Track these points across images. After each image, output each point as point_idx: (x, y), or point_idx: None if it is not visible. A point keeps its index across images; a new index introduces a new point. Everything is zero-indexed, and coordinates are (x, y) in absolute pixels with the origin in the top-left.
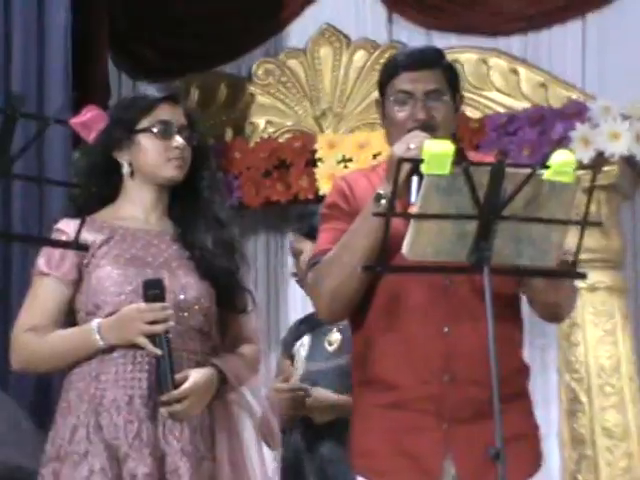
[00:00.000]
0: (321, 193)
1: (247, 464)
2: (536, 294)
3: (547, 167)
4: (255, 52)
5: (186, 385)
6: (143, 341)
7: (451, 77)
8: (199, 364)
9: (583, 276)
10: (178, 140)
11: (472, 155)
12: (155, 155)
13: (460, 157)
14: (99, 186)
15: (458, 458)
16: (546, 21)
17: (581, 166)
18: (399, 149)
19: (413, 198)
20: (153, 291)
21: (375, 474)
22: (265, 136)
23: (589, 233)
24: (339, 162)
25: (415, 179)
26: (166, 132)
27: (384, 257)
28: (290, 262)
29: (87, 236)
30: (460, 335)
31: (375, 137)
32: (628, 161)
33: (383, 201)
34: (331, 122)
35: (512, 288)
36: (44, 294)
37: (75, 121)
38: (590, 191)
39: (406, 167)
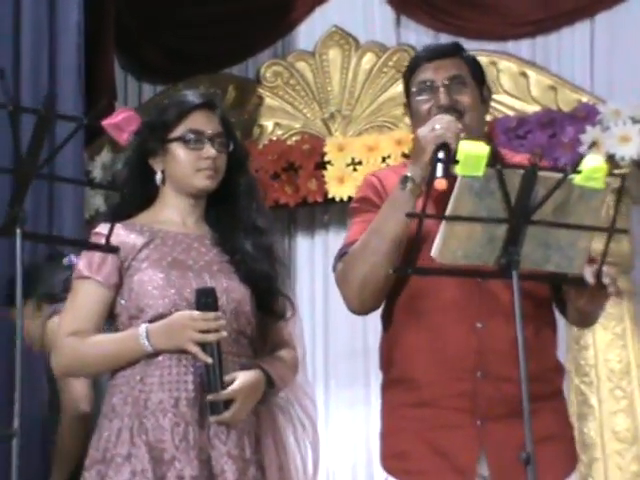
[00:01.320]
0: (330, 196)
1: (292, 469)
2: (574, 299)
3: (578, 172)
4: (263, 54)
5: (234, 386)
6: (194, 349)
7: (473, 68)
8: (243, 367)
9: (605, 288)
10: (210, 150)
11: (503, 153)
12: (186, 165)
13: (494, 158)
14: (135, 191)
15: (491, 456)
16: (555, 24)
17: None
18: (423, 131)
19: (439, 173)
20: (206, 299)
21: (409, 475)
22: (273, 138)
23: (599, 237)
24: (348, 165)
25: (441, 154)
26: (197, 142)
27: (413, 258)
28: (299, 264)
29: (128, 239)
30: (493, 331)
31: (384, 140)
32: (638, 164)
33: (409, 184)
34: (339, 125)
35: (547, 288)
36: (86, 297)
37: (108, 122)
38: (618, 196)
39: (430, 147)
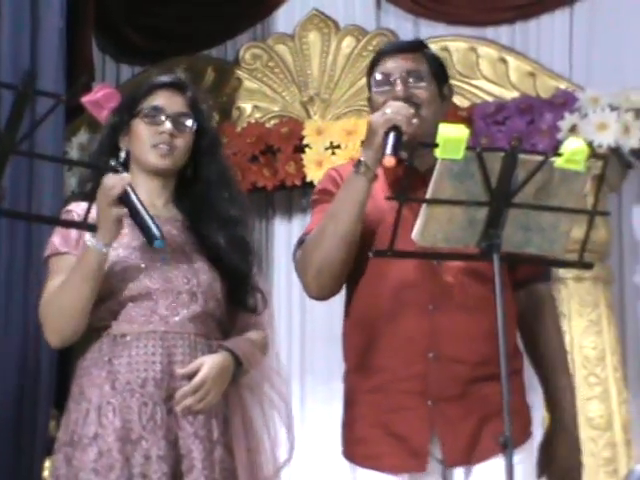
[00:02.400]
0: (308, 179)
1: (260, 451)
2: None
3: (559, 155)
4: (243, 36)
5: (202, 373)
6: (117, 211)
7: (434, 65)
8: (211, 348)
9: (590, 266)
10: (166, 126)
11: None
12: (144, 140)
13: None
14: (106, 170)
15: (444, 436)
16: (534, 11)
17: (590, 155)
18: (375, 116)
19: (388, 151)
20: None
21: (367, 459)
22: (252, 121)
23: (579, 223)
24: (327, 149)
25: (392, 135)
26: (156, 117)
27: (393, 241)
28: (276, 248)
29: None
30: (446, 313)
31: (363, 124)
32: (615, 152)
33: (362, 167)
34: (318, 108)
35: (506, 273)
36: (65, 271)
37: (87, 99)
38: (600, 180)
39: (381, 130)
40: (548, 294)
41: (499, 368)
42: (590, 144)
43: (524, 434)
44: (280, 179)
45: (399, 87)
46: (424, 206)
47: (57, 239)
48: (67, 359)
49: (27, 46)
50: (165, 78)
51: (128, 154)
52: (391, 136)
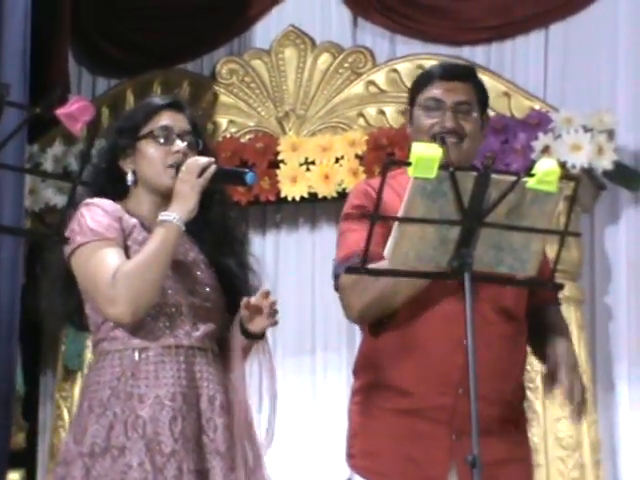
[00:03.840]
0: (282, 195)
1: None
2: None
3: (532, 175)
4: (219, 51)
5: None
6: (204, 183)
7: (481, 95)
8: (218, 365)
9: (561, 287)
10: (179, 144)
11: None
12: (156, 161)
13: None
14: (106, 190)
15: (461, 471)
16: (510, 32)
17: (562, 176)
18: None
19: None
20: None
21: (377, 475)
22: (227, 136)
23: (550, 244)
24: (301, 164)
25: None
26: (167, 138)
27: (366, 259)
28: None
29: (123, 215)
30: (477, 350)
31: (338, 141)
32: (588, 173)
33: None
34: (294, 124)
35: (524, 310)
36: (112, 252)
37: (62, 112)
38: (571, 201)
39: None
40: (559, 311)
41: (515, 409)
42: (563, 165)
43: None
44: (254, 194)
45: (449, 118)
46: (396, 224)
47: (94, 225)
48: (36, 373)
49: None
50: (166, 99)
51: (135, 175)
52: None
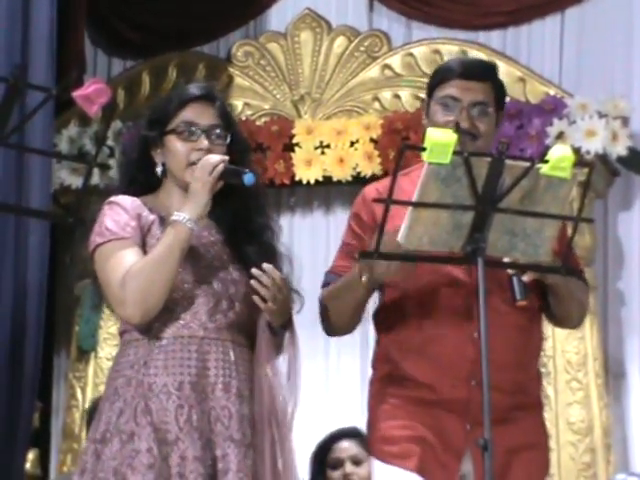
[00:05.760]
0: (297, 178)
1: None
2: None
3: (546, 161)
4: (235, 34)
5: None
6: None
7: (499, 93)
8: (242, 354)
9: (572, 271)
10: (203, 142)
11: None
12: (180, 157)
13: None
14: (137, 179)
15: (476, 460)
16: (526, 16)
17: (576, 162)
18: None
19: (519, 296)
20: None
21: (395, 458)
22: (242, 118)
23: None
24: (316, 148)
25: (515, 279)
26: (191, 133)
27: (379, 243)
28: None
29: (143, 211)
30: (489, 341)
31: (352, 124)
32: (602, 159)
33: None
34: (309, 107)
35: (538, 299)
36: (130, 252)
37: (78, 94)
38: (585, 187)
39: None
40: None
41: (530, 397)
42: (578, 150)
43: (544, 471)
44: (269, 177)
45: (464, 117)
46: (410, 209)
47: (112, 225)
48: (49, 354)
49: (19, 39)
50: (195, 90)
51: (164, 167)
52: (515, 281)
